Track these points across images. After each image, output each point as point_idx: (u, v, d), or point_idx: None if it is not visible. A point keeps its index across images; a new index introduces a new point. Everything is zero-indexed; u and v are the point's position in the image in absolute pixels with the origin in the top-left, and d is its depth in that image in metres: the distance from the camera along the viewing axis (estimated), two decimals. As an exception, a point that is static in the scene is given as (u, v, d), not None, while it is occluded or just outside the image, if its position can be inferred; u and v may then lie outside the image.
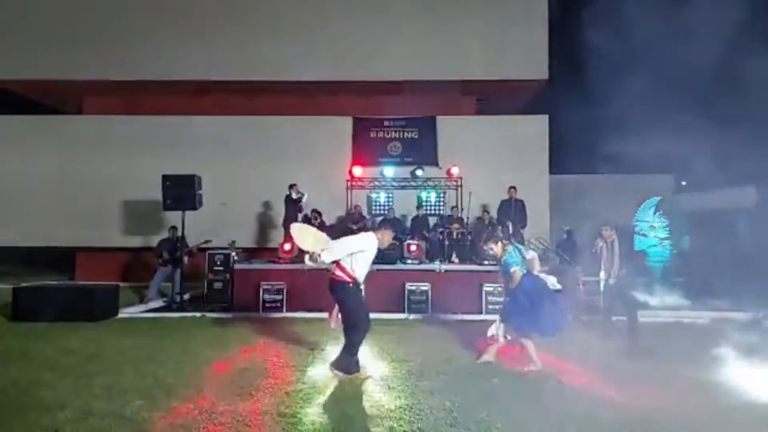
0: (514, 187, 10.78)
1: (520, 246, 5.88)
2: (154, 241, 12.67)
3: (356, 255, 4.99)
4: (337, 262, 5.01)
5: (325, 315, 8.15)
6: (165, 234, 10.45)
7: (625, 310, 6.84)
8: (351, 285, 5.00)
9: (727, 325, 7.93)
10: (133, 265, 13.13)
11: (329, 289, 5.10)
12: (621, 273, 6.80)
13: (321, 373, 5.14)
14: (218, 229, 11.21)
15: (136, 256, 13.10)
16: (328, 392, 4.52)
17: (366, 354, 5.89)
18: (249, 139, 13.25)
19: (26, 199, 12.99)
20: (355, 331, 5.00)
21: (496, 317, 5.66)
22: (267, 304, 8.67)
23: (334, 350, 6.06)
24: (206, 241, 10.09)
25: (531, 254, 5.67)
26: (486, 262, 9.37)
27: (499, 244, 5.57)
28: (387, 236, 5.21)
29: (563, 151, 14.07)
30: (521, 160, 12.82)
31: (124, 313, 8.55)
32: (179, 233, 9.53)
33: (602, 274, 6.96)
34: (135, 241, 12.93)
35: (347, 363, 5.00)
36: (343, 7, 13.36)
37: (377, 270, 9.22)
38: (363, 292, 5.23)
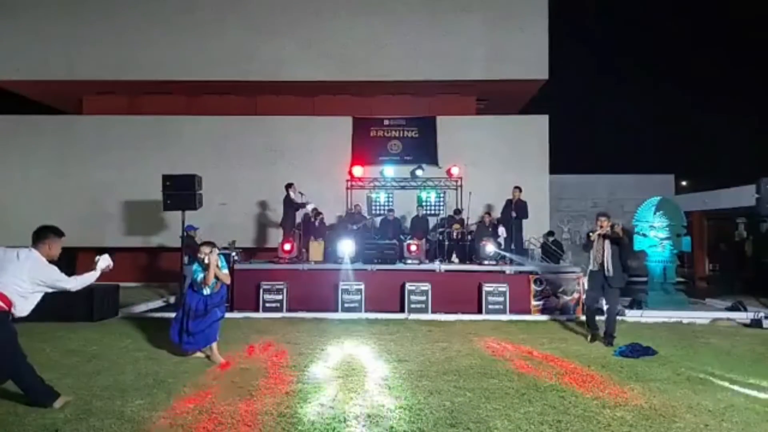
0: (518, 188, 10.48)
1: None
2: (154, 241, 12.74)
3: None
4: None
5: (324, 315, 8.24)
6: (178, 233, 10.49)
7: (608, 298, 6.74)
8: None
9: (727, 324, 7.96)
10: (133, 266, 13.11)
11: None
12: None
13: (321, 373, 5.14)
14: (218, 229, 11.20)
15: (134, 256, 13.10)
16: (328, 392, 4.52)
17: (366, 354, 5.91)
18: (249, 139, 13.23)
19: (26, 199, 12.96)
20: None
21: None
22: (267, 304, 8.66)
23: (334, 350, 6.09)
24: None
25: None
26: (486, 263, 9.39)
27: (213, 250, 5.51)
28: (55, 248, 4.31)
29: (563, 151, 14.01)
30: (521, 160, 12.81)
31: (124, 313, 8.56)
32: (190, 232, 9.48)
33: (591, 265, 6.70)
34: (135, 241, 12.91)
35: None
36: (343, 7, 13.34)
37: (377, 270, 9.29)
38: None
